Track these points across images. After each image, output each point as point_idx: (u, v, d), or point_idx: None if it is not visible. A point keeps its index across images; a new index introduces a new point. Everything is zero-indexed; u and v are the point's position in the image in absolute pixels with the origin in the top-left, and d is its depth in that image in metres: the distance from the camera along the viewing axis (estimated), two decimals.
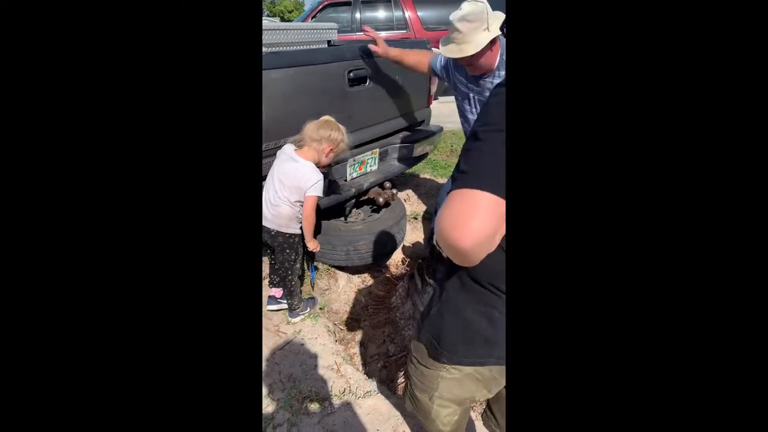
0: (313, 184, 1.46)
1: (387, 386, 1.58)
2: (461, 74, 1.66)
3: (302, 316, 1.76)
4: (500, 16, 1.42)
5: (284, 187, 1.47)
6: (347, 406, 1.38)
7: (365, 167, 1.98)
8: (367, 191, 2.05)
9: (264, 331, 1.68)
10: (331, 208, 1.86)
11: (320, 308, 1.91)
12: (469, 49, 1.42)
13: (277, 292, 1.77)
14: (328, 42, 2.08)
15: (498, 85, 0.57)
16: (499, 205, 0.49)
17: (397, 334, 1.87)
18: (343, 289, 2.18)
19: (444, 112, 3.86)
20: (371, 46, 1.77)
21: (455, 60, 1.56)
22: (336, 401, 1.39)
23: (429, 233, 2.40)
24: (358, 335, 1.94)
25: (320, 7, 5.19)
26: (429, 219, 2.62)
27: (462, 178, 0.52)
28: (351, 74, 1.76)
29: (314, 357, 1.57)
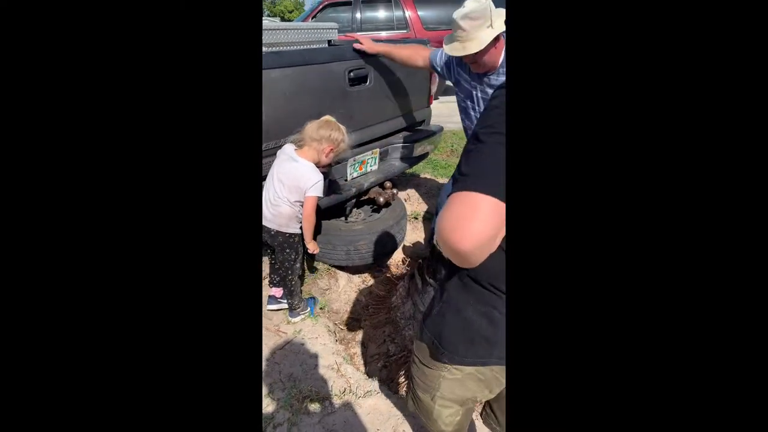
0: (313, 184, 1.46)
1: (387, 386, 1.58)
2: (465, 71, 1.65)
3: (302, 316, 1.76)
4: (504, 13, 1.40)
5: (284, 186, 1.47)
6: (347, 405, 1.38)
7: (365, 167, 1.98)
8: (367, 191, 2.05)
9: (264, 331, 1.68)
10: (331, 208, 1.86)
11: (320, 308, 1.91)
12: (473, 46, 1.41)
13: (278, 291, 1.77)
14: (329, 42, 2.08)
15: (499, 86, 0.57)
16: (499, 208, 0.49)
17: (397, 334, 1.87)
18: (343, 289, 2.18)
19: (444, 112, 3.87)
20: (355, 45, 1.76)
21: (459, 58, 1.55)
22: (336, 401, 1.40)
23: (429, 233, 2.40)
24: (359, 335, 1.94)
25: (320, 7, 5.19)
26: (429, 219, 2.62)
27: (463, 180, 0.52)
28: (351, 74, 1.76)
29: (314, 357, 1.57)
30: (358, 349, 1.87)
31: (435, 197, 2.82)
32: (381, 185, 2.11)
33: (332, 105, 1.68)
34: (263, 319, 1.73)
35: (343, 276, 2.22)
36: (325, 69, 1.66)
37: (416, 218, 2.67)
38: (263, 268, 1.86)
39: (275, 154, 1.53)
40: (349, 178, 1.91)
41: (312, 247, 1.61)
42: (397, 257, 2.40)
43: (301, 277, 1.85)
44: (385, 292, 2.17)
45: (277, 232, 1.55)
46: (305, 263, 2.04)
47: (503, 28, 1.41)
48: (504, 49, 1.51)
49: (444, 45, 1.52)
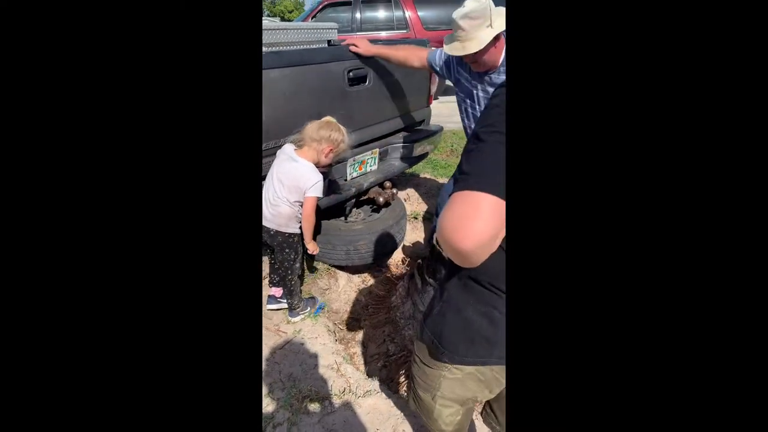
0: (313, 184, 1.46)
1: (387, 386, 1.58)
2: (465, 70, 1.65)
3: (302, 316, 1.76)
4: (504, 12, 1.40)
5: (284, 186, 1.47)
6: (347, 405, 1.38)
7: (365, 167, 1.98)
8: (367, 191, 2.05)
9: (264, 331, 1.68)
10: (331, 208, 1.86)
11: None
12: (473, 46, 1.41)
13: (277, 291, 1.77)
14: (328, 42, 2.08)
15: (500, 85, 0.57)
16: (501, 207, 0.49)
17: (397, 334, 1.87)
18: (343, 289, 2.18)
19: (444, 112, 3.86)
20: (351, 48, 1.76)
21: (459, 57, 1.55)
22: (336, 400, 1.40)
23: (429, 233, 2.40)
24: (358, 335, 1.94)
25: (320, 7, 5.19)
26: (429, 219, 2.62)
27: (464, 179, 0.52)
28: (351, 74, 1.76)
29: (314, 356, 1.57)
30: (357, 349, 1.87)
31: (435, 197, 2.82)
32: (381, 185, 2.11)
33: (332, 105, 1.68)
34: (263, 318, 1.73)
35: (342, 276, 2.22)
36: (325, 69, 1.66)
37: (416, 218, 2.67)
38: (263, 268, 1.86)
39: (275, 153, 1.53)
40: (348, 178, 1.91)
41: (312, 247, 1.61)
42: (397, 257, 2.41)
43: (301, 277, 1.85)
44: (385, 292, 2.17)
45: (277, 231, 1.55)
46: (305, 263, 2.04)
47: (503, 27, 1.41)
48: (504, 48, 1.51)
49: (444, 45, 1.52)
